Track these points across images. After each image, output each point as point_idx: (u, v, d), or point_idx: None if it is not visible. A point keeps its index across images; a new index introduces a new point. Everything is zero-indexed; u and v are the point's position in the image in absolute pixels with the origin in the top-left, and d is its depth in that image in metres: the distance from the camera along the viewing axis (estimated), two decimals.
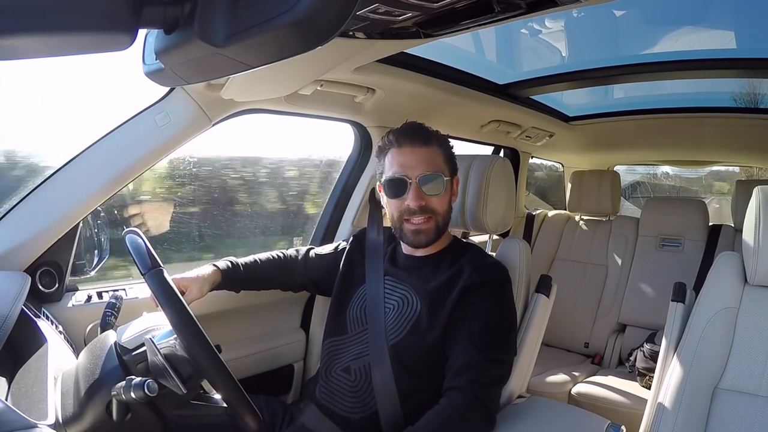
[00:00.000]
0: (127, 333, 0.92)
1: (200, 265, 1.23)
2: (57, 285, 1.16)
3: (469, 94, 1.65)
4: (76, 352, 1.04)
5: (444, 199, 1.14)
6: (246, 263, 1.28)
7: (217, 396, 0.88)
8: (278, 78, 1.10)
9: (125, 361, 0.88)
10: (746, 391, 1.04)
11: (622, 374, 2.12)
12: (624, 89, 2.19)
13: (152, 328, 0.92)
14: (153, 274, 0.88)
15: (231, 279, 1.23)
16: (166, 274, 0.89)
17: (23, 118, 1.41)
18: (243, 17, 0.41)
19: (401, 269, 1.20)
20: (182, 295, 0.90)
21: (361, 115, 1.59)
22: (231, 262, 1.25)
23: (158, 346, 0.84)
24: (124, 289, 1.25)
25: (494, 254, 1.32)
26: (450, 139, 1.21)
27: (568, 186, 2.72)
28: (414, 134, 1.13)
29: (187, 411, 0.89)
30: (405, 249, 1.22)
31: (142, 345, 0.88)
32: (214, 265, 1.22)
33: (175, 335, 0.86)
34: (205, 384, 0.90)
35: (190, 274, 1.16)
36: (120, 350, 0.89)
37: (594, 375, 2.13)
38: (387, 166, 1.14)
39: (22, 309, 0.88)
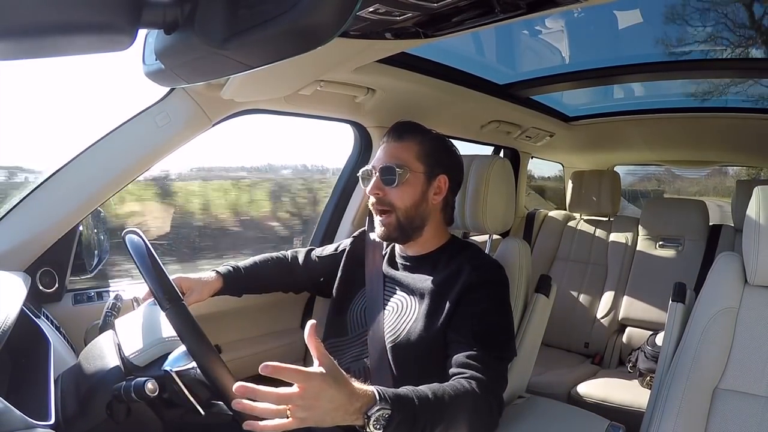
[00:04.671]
0: (133, 344, 0.90)
1: None
2: (57, 285, 1.16)
3: (469, 94, 1.64)
4: (76, 352, 1.04)
5: (403, 192, 1.11)
6: (246, 267, 1.28)
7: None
8: (278, 78, 1.10)
9: (125, 362, 0.88)
10: (746, 391, 1.03)
11: (622, 374, 2.12)
12: (624, 89, 2.18)
13: (164, 344, 0.89)
14: (175, 308, 0.85)
15: (233, 285, 1.23)
16: (188, 308, 0.86)
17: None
18: (243, 17, 0.41)
19: (399, 270, 1.19)
20: (182, 296, 0.90)
21: (361, 115, 1.59)
22: (232, 267, 1.25)
23: (178, 375, 0.83)
24: (124, 290, 1.25)
25: (494, 254, 1.31)
26: (448, 139, 1.21)
27: (569, 186, 2.73)
28: (393, 130, 1.16)
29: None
30: (400, 249, 1.22)
31: (153, 363, 0.87)
32: (216, 271, 1.22)
33: (192, 361, 0.83)
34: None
35: (192, 275, 1.16)
36: (130, 366, 0.87)
37: (594, 375, 2.12)
38: None
39: (22, 309, 0.88)
